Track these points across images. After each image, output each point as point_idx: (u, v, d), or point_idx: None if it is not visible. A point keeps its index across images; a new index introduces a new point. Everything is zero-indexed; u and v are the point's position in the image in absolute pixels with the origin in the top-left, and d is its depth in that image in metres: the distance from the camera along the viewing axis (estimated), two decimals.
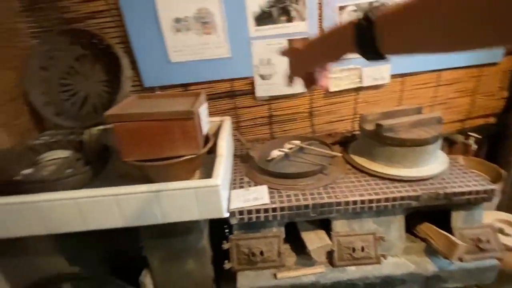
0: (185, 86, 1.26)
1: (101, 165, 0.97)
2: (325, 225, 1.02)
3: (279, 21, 1.14)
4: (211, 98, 1.29)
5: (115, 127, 0.78)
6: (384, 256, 0.98)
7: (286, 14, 1.13)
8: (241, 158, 1.20)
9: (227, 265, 0.98)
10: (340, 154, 1.08)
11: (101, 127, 1.12)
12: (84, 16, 1.15)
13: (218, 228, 1.04)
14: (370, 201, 0.93)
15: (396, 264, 0.97)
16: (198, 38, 1.15)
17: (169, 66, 1.21)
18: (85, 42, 1.18)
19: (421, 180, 0.97)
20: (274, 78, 1.24)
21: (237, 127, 1.35)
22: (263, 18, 1.13)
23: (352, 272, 0.96)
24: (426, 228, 1.02)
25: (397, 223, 0.99)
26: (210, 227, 1.04)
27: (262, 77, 1.23)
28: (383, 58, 0.40)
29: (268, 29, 1.15)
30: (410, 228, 1.06)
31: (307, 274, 0.96)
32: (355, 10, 1.12)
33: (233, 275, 0.99)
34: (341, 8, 1.13)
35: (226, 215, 0.85)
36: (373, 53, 0.39)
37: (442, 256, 0.95)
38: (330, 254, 0.99)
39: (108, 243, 1.09)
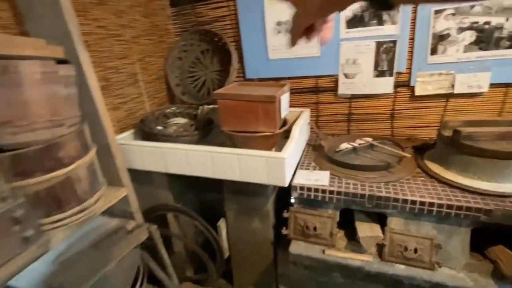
0: (277, 79, 1.48)
1: (206, 133, 1.29)
2: (382, 221, 1.07)
3: (370, 24, 1.21)
4: (297, 92, 1.46)
5: (219, 103, 1.06)
6: (439, 264, 0.96)
7: (378, 18, 1.19)
8: (313, 147, 1.34)
9: (284, 231, 1.16)
10: (408, 155, 1.09)
11: (210, 106, 1.46)
12: (212, 19, 1.51)
13: (283, 201, 1.22)
14: (431, 204, 0.93)
15: (451, 276, 0.94)
16: None
17: (268, 62, 1.45)
18: (209, 39, 1.53)
19: (498, 195, 0.90)
20: (358, 77, 1.31)
21: (316, 120, 1.49)
22: (354, 21, 1.23)
23: (400, 269, 0.98)
24: (499, 251, 0.94)
25: (461, 236, 0.95)
26: (277, 200, 1.23)
27: (346, 75, 1.33)
28: (391, 7, 0.36)
29: (358, 32, 1.24)
30: (481, 248, 0.99)
31: (354, 258, 1.04)
32: (453, 14, 1.08)
33: (288, 241, 1.15)
34: (437, 12, 1.10)
35: (286, 184, 1.02)
36: (380, 0, 0.36)
37: (510, 284, 0.87)
38: (380, 247, 1.03)
39: (201, 190, 1.43)
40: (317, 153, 1.28)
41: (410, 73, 1.25)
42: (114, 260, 0.95)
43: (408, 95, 1.30)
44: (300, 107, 1.43)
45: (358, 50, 1.26)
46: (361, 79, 1.31)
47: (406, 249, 0.98)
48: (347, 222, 1.13)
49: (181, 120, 1.40)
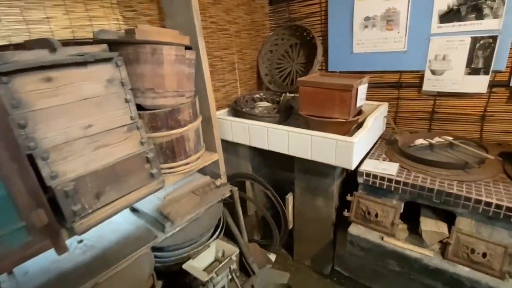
0: (359, 73, 1.53)
1: (286, 116, 1.46)
2: (450, 222, 1.04)
3: (467, 19, 1.15)
4: (378, 86, 1.49)
5: (300, 89, 1.21)
6: (510, 275, 0.91)
7: (477, 11, 1.12)
8: (387, 140, 1.36)
9: (346, 213, 1.25)
10: (492, 157, 1.03)
11: (292, 94, 1.63)
12: (303, 16, 1.66)
13: (349, 186, 1.31)
14: (509, 208, 0.88)
15: None
16: (379, 34, 1.38)
17: (351, 56, 1.52)
18: (299, 34, 1.69)
19: None
20: (446, 74, 1.26)
21: (395, 115, 1.48)
22: (449, 16, 1.19)
23: (463, 271, 0.96)
24: None
25: None
26: (343, 184, 1.32)
27: (433, 72, 1.29)
28: None
29: (452, 26, 1.19)
30: None
31: (413, 250, 1.06)
32: None
33: (348, 224, 1.24)
34: None
35: (353, 167, 1.10)
36: None
37: None
38: (444, 245, 1.03)
39: (275, 167, 1.63)
40: (390, 146, 1.30)
41: (511, 73, 1.14)
42: (205, 205, 1.22)
43: (506, 97, 1.18)
44: (380, 101, 1.45)
45: (449, 45, 1.22)
46: (450, 76, 1.26)
47: (473, 251, 0.96)
48: (412, 218, 1.15)
49: (266, 104, 1.61)
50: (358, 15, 1.42)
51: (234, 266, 1.18)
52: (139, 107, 1.02)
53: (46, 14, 0.92)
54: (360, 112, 1.25)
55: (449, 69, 1.25)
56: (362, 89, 1.17)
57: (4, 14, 0.84)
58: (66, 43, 0.82)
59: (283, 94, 1.58)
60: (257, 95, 1.69)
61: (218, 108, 1.62)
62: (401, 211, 1.11)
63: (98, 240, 1.02)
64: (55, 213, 0.81)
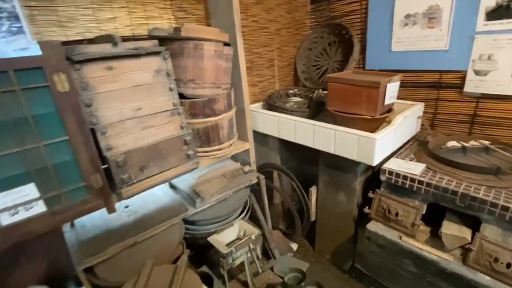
0: (397, 72, 1.50)
1: (316, 112, 1.51)
2: (475, 229, 1.00)
3: None
4: (416, 85, 1.45)
5: (329, 85, 1.26)
6: None
7: None
8: (418, 141, 1.33)
9: (366, 210, 1.26)
10: None
11: (325, 92, 1.66)
12: (343, 14, 1.67)
13: (372, 183, 1.31)
14: None
15: None
16: (420, 32, 1.34)
17: (389, 54, 1.49)
18: (337, 32, 1.70)
19: None
20: (492, 75, 1.19)
21: (432, 117, 1.42)
22: (497, 12, 1.11)
23: (484, 279, 0.94)
24: None
25: None
26: (366, 181, 1.33)
27: (477, 72, 1.22)
28: None
29: (500, 24, 1.12)
30: None
31: (431, 252, 1.04)
32: None
33: (367, 220, 1.25)
34: None
35: (374, 164, 1.12)
36: None
37: None
38: (465, 251, 1.00)
39: (301, 161, 1.68)
40: (421, 147, 1.27)
41: None
42: (233, 188, 1.34)
43: None
44: (417, 101, 1.41)
45: (496, 44, 1.14)
46: (495, 77, 1.18)
47: (496, 260, 0.92)
48: (437, 223, 1.12)
49: (298, 100, 1.67)
50: (399, 12, 1.39)
51: (254, 246, 1.28)
52: (181, 96, 1.17)
53: (113, 15, 1.11)
54: (390, 110, 1.24)
55: (494, 69, 1.18)
56: (393, 87, 1.17)
57: (80, 14, 1.05)
58: (126, 38, 1.00)
59: (316, 91, 1.62)
60: (291, 91, 1.75)
61: (254, 102, 1.72)
62: (423, 212, 1.10)
63: (140, 207, 1.20)
64: (108, 180, 0.99)
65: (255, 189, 1.51)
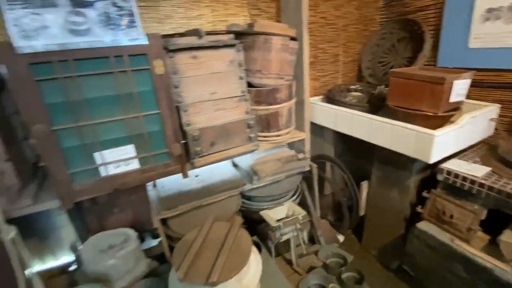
0: (474, 70, 1.41)
1: (376, 108, 1.52)
2: None
3: None
4: (493, 86, 1.34)
5: (391, 80, 1.27)
6: None
7: None
8: (489, 145, 1.24)
9: (419, 209, 1.25)
10: None
11: (387, 88, 1.64)
12: (416, 9, 1.62)
13: (428, 183, 1.28)
14: None
15: None
16: (504, 27, 1.24)
17: (465, 51, 1.41)
18: (409, 28, 1.66)
19: None
20: None
21: (510, 121, 1.30)
22: None
23: None
24: None
25: None
26: (422, 180, 1.30)
27: None
28: None
29: None
30: None
31: (486, 259, 1.00)
32: None
33: (419, 219, 1.24)
34: None
35: (430, 161, 1.10)
36: None
37: None
38: None
39: (355, 155, 1.70)
40: (489, 151, 1.20)
41: None
42: (286, 172, 1.45)
43: None
44: (494, 103, 1.32)
45: None
46: None
47: None
48: (495, 230, 1.06)
49: (359, 94, 1.69)
50: (480, 6, 1.31)
51: (301, 227, 1.38)
52: (249, 84, 1.32)
53: (199, 12, 1.31)
54: (456, 109, 1.20)
55: None
56: (460, 85, 1.13)
57: (175, 12, 1.27)
58: (208, 33, 1.18)
59: (378, 87, 1.62)
60: (353, 86, 1.77)
61: (314, 95, 1.79)
62: (483, 218, 1.05)
63: (207, 178, 1.40)
64: (185, 151, 1.20)
65: (306, 177, 1.60)
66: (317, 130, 1.70)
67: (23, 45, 0.85)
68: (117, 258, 1.11)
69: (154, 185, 1.40)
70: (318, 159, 1.73)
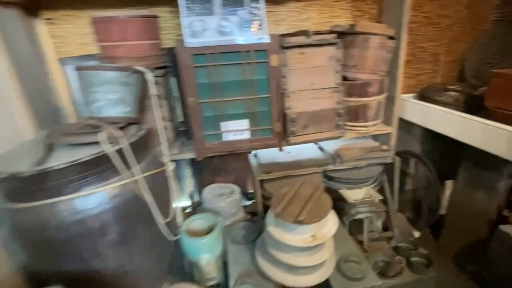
0: None
1: (474, 109, 1.50)
2: None
3: None
4: None
5: (492, 81, 1.28)
6: None
7: None
8: None
9: (506, 213, 1.24)
10: None
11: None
12: None
13: None
14: None
15: None
16: None
17: None
18: None
19: None
20: None
21: None
22: None
23: None
24: None
25: None
26: None
27: None
28: None
29: None
30: None
31: None
32: None
33: (505, 223, 1.23)
34: None
35: None
36: None
37: None
38: None
39: (441, 154, 1.71)
40: None
41: None
42: (369, 160, 1.60)
43: None
44: None
45: None
46: None
47: None
48: None
49: (456, 95, 1.67)
50: None
51: (376, 209, 1.52)
52: (343, 78, 1.50)
53: (308, 15, 1.56)
54: None
55: None
56: None
57: (289, 16, 1.55)
58: (315, 33, 1.41)
59: (479, 88, 1.58)
60: (452, 86, 1.75)
61: (408, 92, 1.84)
62: None
63: (297, 154, 1.66)
64: (283, 130, 1.49)
65: (388, 170, 1.70)
66: (405, 126, 1.77)
67: (190, 41, 1.25)
68: (226, 202, 1.48)
69: (255, 155, 1.74)
70: (402, 154, 1.80)
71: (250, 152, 1.80)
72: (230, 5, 1.23)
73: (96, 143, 0.97)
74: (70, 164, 0.88)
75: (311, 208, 1.07)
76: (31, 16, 1.32)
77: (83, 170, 0.92)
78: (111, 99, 1.06)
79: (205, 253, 1.18)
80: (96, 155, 0.92)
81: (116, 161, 0.95)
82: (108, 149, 0.94)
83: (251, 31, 1.27)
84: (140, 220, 1.06)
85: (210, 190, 1.56)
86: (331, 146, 1.72)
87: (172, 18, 1.45)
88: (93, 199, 0.94)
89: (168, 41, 1.44)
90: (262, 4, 1.26)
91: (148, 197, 1.04)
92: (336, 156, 1.59)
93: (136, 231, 1.06)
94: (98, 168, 0.95)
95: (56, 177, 0.88)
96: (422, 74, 1.86)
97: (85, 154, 0.92)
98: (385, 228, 1.73)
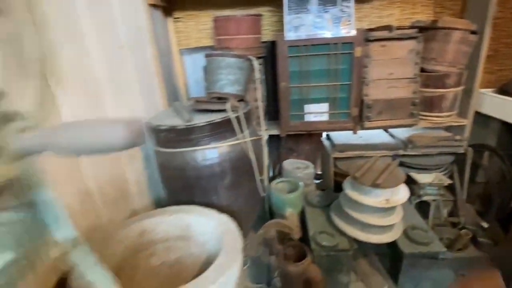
0: None
1: None
2: None
3: None
4: None
5: None
6: None
7: None
8: None
9: None
10: None
11: None
12: None
13: None
14: None
15: None
16: None
17: None
18: None
19: None
20: None
21: None
22: None
23: None
24: None
25: None
26: None
27: None
28: None
29: None
30: None
31: None
32: None
33: None
34: None
35: None
36: None
37: None
38: None
39: None
40: None
41: None
42: (440, 148, 1.69)
43: None
44: None
45: None
46: None
47: None
48: None
49: None
50: None
51: (443, 193, 1.61)
52: (421, 69, 1.63)
53: (390, 12, 1.71)
54: None
55: None
56: None
57: (372, 12, 1.72)
58: (396, 27, 1.57)
59: None
60: None
61: (487, 87, 1.86)
62: None
63: (369, 138, 1.84)
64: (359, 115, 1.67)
65: (459, 161, 1.76)
66: (481, 120, 1.80)
67: (289, 35, 1.52)
68: (303, 174, 1.73)
69: (328, 137, 1.95)
70: (475, 147, 1.83)
71: (321, 135, 2.02)
72: (324, 4, 1.47)
73: (220, 111, 1.30)
74: (207, 123, 1.22)
75: (386, 177, 1.25)
76: (167, 16, 1.73)
77: (213, 129, 1.25)
78: (230, 79, 1.39)
79: (289, 208, 1.45)
80: (223, 118, 1.25)
81: (235, 124, 1.27)
82: (231, 115, 1.26)
83: (340, 26, 1.49)
84: (245, 173, 1.38)
85: (288, 163, 1.82)
86: (402, 133, 1.85)
87: (269, 16, 1.75)
88: (217, 151, 1.27)
89: (265, 36, 1.73)
90: (352, 3, 1.47)
91: (252, 156, 1.35)
92: (408, 142, 1.72)
93: (241, 181, 1.37)
94: (222, 129, 1.27)
95: (197, 132, 1.23)
96: (504, 70, 1.86)
97: (213, 118, 1.25)
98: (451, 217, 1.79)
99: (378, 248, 1.42)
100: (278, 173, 1.97)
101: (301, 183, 1.54)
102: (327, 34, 1.50)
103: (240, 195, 1.38)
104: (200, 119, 1.25)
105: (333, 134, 1.91)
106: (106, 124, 0.44)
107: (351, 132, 1.73)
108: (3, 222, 0.44)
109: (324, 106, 1.66)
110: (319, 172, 2.20)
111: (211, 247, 1.05)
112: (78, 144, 0.43)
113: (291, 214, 1.43)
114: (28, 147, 0.43)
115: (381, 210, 1.25)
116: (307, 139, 2.13)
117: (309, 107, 1.66)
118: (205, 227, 1.07)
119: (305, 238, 1.41)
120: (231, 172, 1.31)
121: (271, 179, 2.03)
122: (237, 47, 1.53)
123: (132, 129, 0.42)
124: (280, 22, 1.76)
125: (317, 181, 2.09)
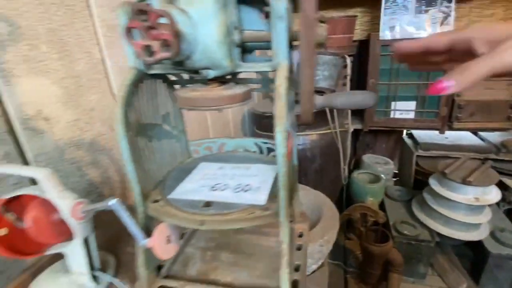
0: None
1: None
2: None
3: None
4: None
5: None
6: None
7: None
8: None
9: None
10: None
11: None
12: None
13: None
14: None
15: None
16: None
17: None
18: None
19: None
20: None
21: None
22: None
23: None
24: None
25: None
26: None
27: None
28: None
29: None
30: None
31: None
32: None
33: None
34: None
35: None
36: None
37: None
38: None
39: None
40: None
41: None
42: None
43: None
44: None
45: None
46: None
47: None
48: None
49: None
50: None
51: None
52: None
53: (492, 11, 1.66)
54: None
55: None
56: None
57: (471, 12, 1.69)
58: None
59: None
60: None
61: None
62: None
63: (456, 140, 1.81)
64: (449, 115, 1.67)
65: None
66: None
67: (384, 35, 1.60)
68: (383, 168, 1.80)
69: (411, 136, 1.97)
70: None
71: (402, 134, 2.05)
72: (424, 5, 1.52)
73: None
74: None
75: (478, 176, 1.28)
76: None
77: None
78: (325, 75, 1.54)
79: (370, 197, 1.55)
80: (318, 109, 1.42)
81: (329, 115, 1.43)
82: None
83: (438, 26, 1.53)
84: (331, 160, 1.53)
85: (368, 158, 1.91)
86: (492, 137, 1.77)
87: (361, 16, 1.84)
88: (310, 138, 1.45)
89: (355, 35, 1.84)
90: (453, 4, 1.49)
91: (340, 145, 1.49)
92: (502, 146, 1.66)
93: (327, 167, 1.53)
94: (317, 118, 1.44)
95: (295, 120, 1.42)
96: None
97: None
98: None
99: (458, 248, 1.45)
100: (353, 167, 2.07)
101: (383, 176, 1.62)
102: (423, 34, 1.55)
103: (325, 180, 1.53)
104: (298, 109, 1.43)
105: (416, 133, 1.93)
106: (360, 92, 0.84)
107: (435, 132, 1.74)
108: None
109: (412, 104, 1.71)
110: (395, 171, 2.22)
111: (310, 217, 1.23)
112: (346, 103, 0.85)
113: (372, 203, 1.54)
114: (319, 104, 0.91)
115: (469, 208, 1.28)
116: (385, 137, 2.18)
117: (395, 104, 1.73)
118: (303, 199, 1.26)
119: (383, 226, 1.51)
120: (320, 158, 1.47)
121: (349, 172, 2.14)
122: (332, 45, 1.67)
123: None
124: (371, 22, 1.84)
125: (394, 179, 2.13)
